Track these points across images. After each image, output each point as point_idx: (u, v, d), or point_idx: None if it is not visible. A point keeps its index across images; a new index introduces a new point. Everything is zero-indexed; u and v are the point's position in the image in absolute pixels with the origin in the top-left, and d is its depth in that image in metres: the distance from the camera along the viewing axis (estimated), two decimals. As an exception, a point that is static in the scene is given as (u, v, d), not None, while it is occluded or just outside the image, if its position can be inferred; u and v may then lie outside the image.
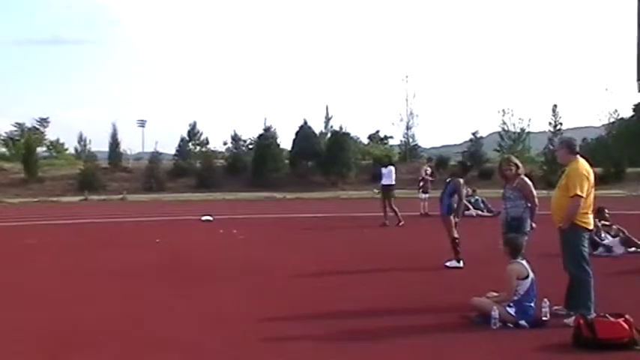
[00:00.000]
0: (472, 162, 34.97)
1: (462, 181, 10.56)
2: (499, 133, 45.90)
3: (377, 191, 23.52)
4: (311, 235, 16.07)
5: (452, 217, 10.38)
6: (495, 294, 6.81)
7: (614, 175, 37.41)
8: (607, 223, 11.79)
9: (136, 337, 6.39)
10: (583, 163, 6.76)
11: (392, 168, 18.04)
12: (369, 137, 59.05)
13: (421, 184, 21.26)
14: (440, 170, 29.37)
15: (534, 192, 8.00)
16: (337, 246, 13.52)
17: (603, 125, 44.67)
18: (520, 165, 8.17)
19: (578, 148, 6.92)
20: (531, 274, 6.63)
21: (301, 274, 9.90)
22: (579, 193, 6.53)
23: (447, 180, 10.78)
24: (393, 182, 17.83)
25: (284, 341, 6.16)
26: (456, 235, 10.28)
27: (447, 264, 10.18)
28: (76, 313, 7.47)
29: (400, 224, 16.92)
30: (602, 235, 11.37)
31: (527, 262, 6.76)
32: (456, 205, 10.41)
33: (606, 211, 12.05)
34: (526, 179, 8.09)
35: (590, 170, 6.79)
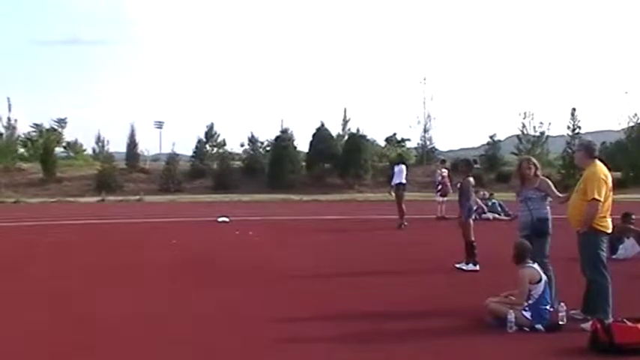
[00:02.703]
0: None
1: (471, 180, 10.52)
2: (517, 136, 45.62)
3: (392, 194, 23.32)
4: (327, 237, 16.05)
5: (471, 221, 10.40)
6: (509, 294, 6.79)
7: (633, 179, 37.06)
8: (631, 227, 11.58)
9: (149, 336, 6.43)
10: (601, 167, 6.71)
11: (402, 167, 17.68)
12: (386, 140, 58.92)
13: (439, 187, 20.83)
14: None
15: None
16: (353, 248, 13.51)
17: (623, 129, 44.05)
18: (539, 166, 8.14)
19: (597, 152, 6.89)
20: (544, 277, 6.59)
21: (316, 275, 9.92)
22: (597, 197, 6.49)
23: (458, 185, 10.82)
24: (404, 181, 17.39)
25: (298, 342, 6.17)
26: (472, 239, 10.27)
27: (458, 266, 10.24)
28: (91, 311, 7.54)
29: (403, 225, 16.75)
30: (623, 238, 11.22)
31: (539, 265, 6.74)
32: (475, 207, 10.42)
33: (632, 216, 11.90)
34: (546, 179, 8.08)
35: (608, 174, 6.74)
